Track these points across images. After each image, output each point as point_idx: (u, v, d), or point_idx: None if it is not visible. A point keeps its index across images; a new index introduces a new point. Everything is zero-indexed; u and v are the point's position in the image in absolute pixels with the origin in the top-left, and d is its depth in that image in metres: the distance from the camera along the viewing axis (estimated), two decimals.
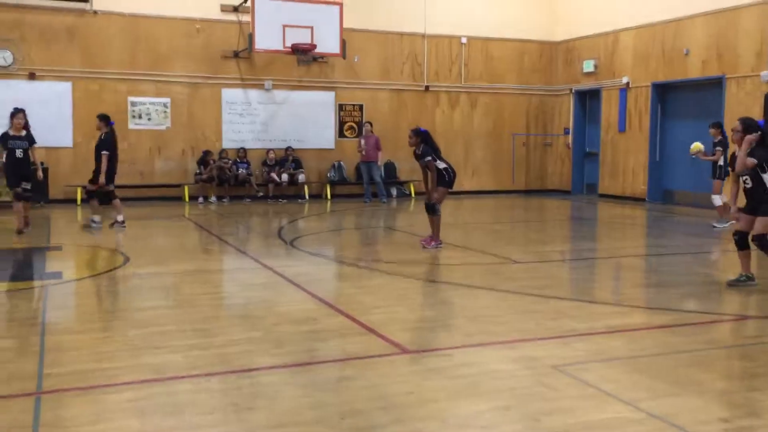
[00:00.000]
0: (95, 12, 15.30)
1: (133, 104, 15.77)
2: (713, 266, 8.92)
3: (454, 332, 5.42)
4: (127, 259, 8.33)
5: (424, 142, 9.25)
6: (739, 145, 6.83)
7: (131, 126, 15.78)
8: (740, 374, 4.55)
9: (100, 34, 15.41)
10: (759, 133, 6.75)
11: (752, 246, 6.92)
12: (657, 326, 5.51)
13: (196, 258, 9.03)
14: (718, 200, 11.75)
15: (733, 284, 6.95)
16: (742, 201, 7.08)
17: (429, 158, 9.16)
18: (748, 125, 6.82)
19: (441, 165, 9.24)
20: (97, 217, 11.35)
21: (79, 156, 15.34)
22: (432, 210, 9.26)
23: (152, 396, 3.94)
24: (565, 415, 3.68)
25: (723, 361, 4.81)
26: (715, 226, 11.70)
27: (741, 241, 6.92)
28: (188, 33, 15.99)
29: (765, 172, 6.69)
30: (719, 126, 11.86)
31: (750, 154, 6.69)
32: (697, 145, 11.83)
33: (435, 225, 9.27)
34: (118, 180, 15.44)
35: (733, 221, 11.51)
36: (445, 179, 9.26)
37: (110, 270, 7.73)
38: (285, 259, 8.65)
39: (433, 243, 9.25)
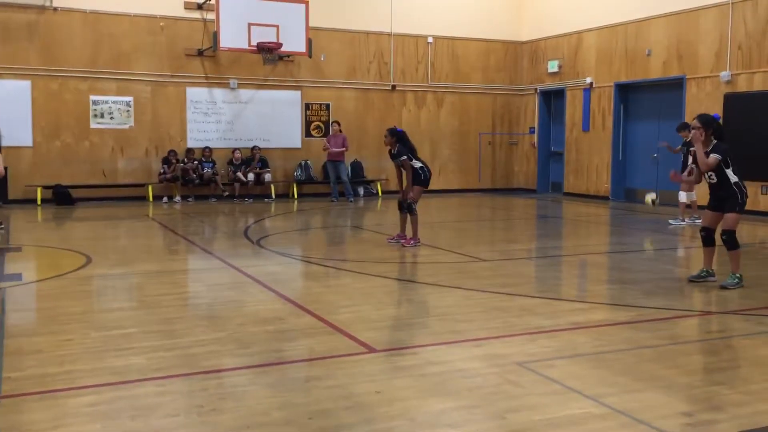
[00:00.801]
0: (55, 9, 15.00)
1: (95, 103, 15.51)
2: (674, 263, 9.07)
3: (421, 331, 5.43)
4: (89, 260, 8.18)
5: (399, 142, 9.34)
6: (699, 141, 6.91)
7: (93, 125, 15.52)
8: (702, 369, 4.63)
9: (60, 31, 15.12)
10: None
11: (717, 242, 7.06)
12: (621, 322, 5.58)
13: (161, 258, 8.91)
14: (684, 197, 11.95)
15: (694, 280, 7.07)
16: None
17: (404, 157, 9.25)
18: (705, 121, 6.89)
19: (417, 164, 9.34)
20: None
21: (38, 155, 15.06)
22: (409, 209, 9.35)
23: (115, 399, 3.86)
24: (530, 412, 3.71)
25: (685, 356, 4.89)
26: (670, 223, 11.92)
27: (707, 237, 7.03)
28: (151, 30, 15.77)
29: (729, 167, 6.80)
30: (686, 126, 11.99)
31: (712, 150, 6.78)
32: (648, 200, 12.17)
33: (414, 224, 9.39)
34: (81, 179, 15.30)
35: (690, 221, 11.77)
36: (421, 178, 9.35)
37: (72, 271, 7.57)
38: (251, 259, 8.58)
39: (412, 241, 9.30)
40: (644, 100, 16.39)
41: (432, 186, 10.18)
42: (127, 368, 4.37)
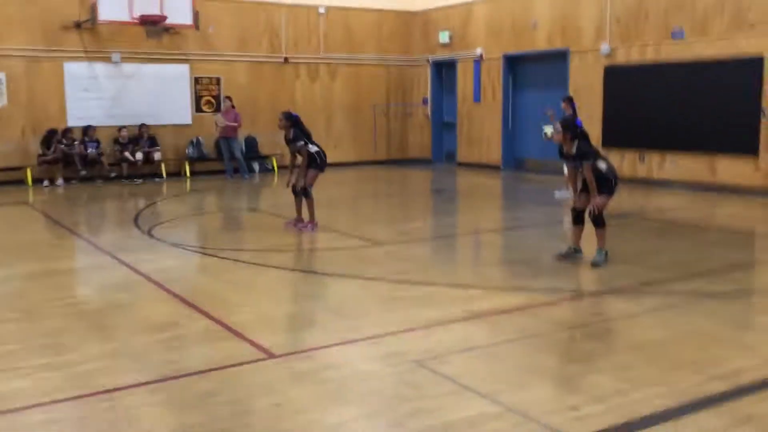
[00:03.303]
0: None
1: None
2: (564, 239, 9.47)
3: (320, 329, 5.45)
4: None
5: (294, 126, 9.21)
6: (563, 143, 7.33)
7: None
8: (586, 356, 4.88)
9: None
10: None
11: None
12: (511, 309, 5.78)
13: (44, 256, 8.36)
14: (565, 169, 12.43)
15: (562, 258, 7.47)
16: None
17: (301, 143, 9.13)
18: (565, 126, 7.35)
19: (313, 149, 9.24)
20: None
21: None
22: (305, 193, 9.26)
23: None
24: (427, 416, 3.80)
25: (571, 343, 5.16)
26: (555, 194, 12.42)
27: (577, 217, 7.48)
28: (23, 1, 14.69)
29: (598, 159, 7.26)
30: (570, 100, 12.38)
31: (578, 148, 7.19)
32: (546, 132, 12.18)
33: (310, 207, 9.31)
34: None
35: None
36: (317, 162, 9.26)
37: None
38: (143, 253, 8.23)
39: (309, 225, 9.25)
40: (531, 71, 16.85)
41: (328, 159, 9.99)
42: (9, 394, 4.14)
